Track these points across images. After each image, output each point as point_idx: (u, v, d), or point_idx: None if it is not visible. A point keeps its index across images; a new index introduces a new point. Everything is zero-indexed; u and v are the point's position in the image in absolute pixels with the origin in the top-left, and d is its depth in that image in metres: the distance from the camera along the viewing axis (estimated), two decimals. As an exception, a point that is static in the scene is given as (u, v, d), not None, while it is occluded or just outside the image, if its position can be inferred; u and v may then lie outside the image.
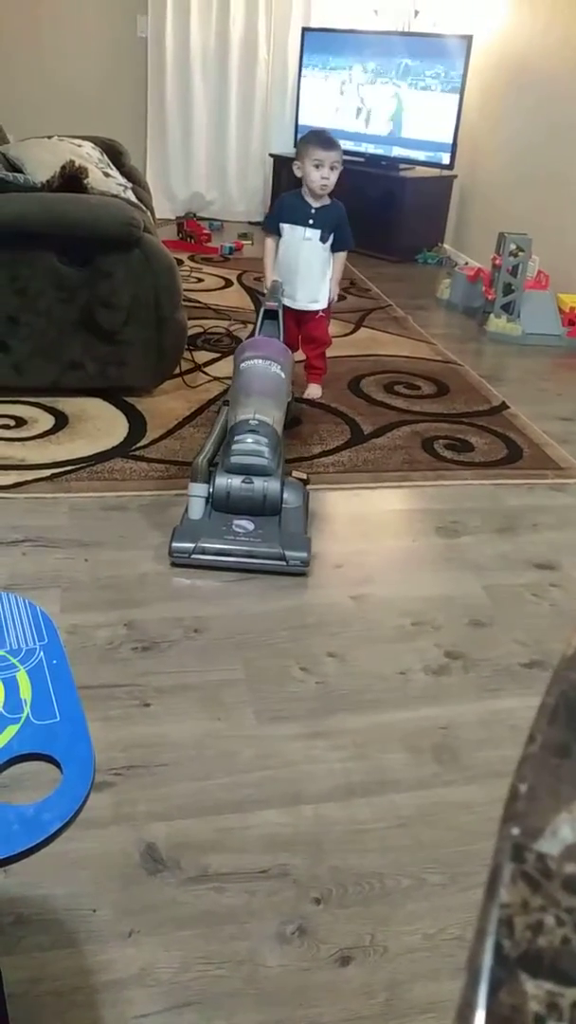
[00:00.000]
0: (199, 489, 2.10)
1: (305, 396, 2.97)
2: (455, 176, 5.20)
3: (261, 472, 2.12)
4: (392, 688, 1.70)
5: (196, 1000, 1.11)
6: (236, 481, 2.10)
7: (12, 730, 0.87)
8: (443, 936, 1.22)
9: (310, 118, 5.52)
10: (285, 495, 2.13)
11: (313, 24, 5.50)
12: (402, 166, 5.19)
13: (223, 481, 2.10)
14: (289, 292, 2.83)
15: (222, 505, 2.10)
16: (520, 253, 3.83)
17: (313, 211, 2.78)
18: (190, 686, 1.65)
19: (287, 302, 2.81)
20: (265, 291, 2.87)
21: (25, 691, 0.93)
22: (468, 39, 4.77)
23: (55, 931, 1.18)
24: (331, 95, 5.41)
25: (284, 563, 2.02)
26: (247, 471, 2.12)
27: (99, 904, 1.22)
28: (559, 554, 2.21)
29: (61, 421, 2.68)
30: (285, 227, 2.81)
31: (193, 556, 2.01)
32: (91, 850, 1.29)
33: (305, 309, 2.88)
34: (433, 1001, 1.13)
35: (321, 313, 2.91)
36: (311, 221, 2.78)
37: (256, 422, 2.17)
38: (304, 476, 2.36)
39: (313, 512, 2.28)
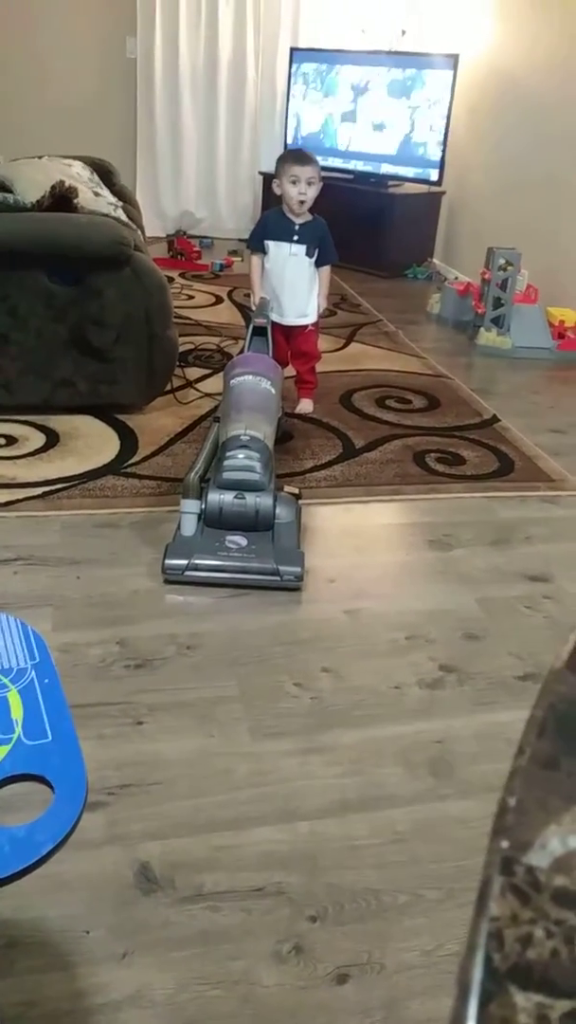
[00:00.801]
0: (191, 505, 2.09)
1: (297, 411, 2.98)
2: (443, 192, 5.25)
3: (253, 487, 2.11)
4: (386, 703, 1.69)
5: (192, 1021, 1.10)
6: (228, 497, 2.09)
7: (3, 751, 0.87)
8: (441, 952, 1.21)
9: (298, 136, 5.58)
10: (277, 510, 2.13)
11: (301, 44, 5.57)
12: (391, 183, 5.24)
13: (215, 497, 2.10)
14: (277, 308, 2.86)
15: (215, 521, 2.10)
16: (509, 267, 3.86)
17: (297, 227, 2.82)
18: (184, 703, 1.64)
19: (276, 318, 2.84)
20: (253, 308, 2.90)
21: (17, 711, 0.92)
22: (455, 57, 4.83)
23: (49, 953, 1.17)
24: (319, 114, 5.46)
25: (278, 578, 2.02)
26: (239, 487, 2.11)
27: (93, 925, 1.21)
28: (552, 566, 2.21)
29: (52, 439, 2.68)
30: (270, 244, 2.84)
31: (187, 573, 2.01)
32: (84, 871, 1.28)
33: (294, 324, 2.91)
34: (431, 1018, 1.12)
35: (310, 327, 2.94)
36: (296, 237, 2.82)
37: (247, 437, 2.17)
38: (296, 491, 2.36)
39: (305, 527, 2.28)
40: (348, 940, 1.22)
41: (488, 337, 3.91)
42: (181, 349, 3.12)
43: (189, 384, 3.18)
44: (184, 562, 2.01)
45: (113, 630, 1.84)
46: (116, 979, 1.14)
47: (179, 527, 2.11)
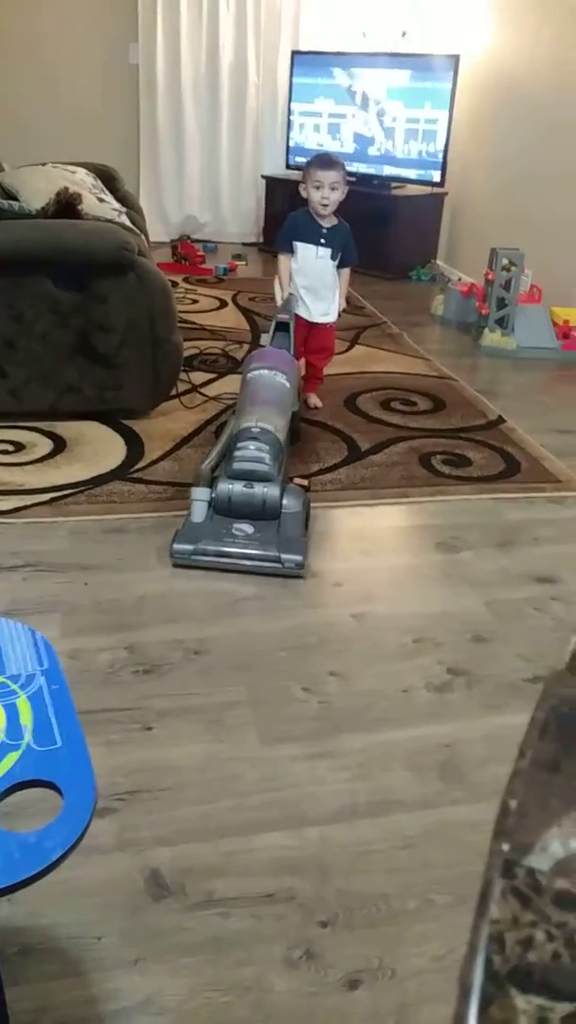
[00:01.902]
0: (202, 493, 2.18)
1: (310, 405, 3.09)
2: (446, 193, 5.25)
3: (262, 478, 2.19)
4: (395, 706, 1.69)
5: (204, 1028, 1.10)
6: (237, 486, 2.17)
7: (13, 757, 0.87)
8: (452, 957, 1.20)
9: (301, 140, 5.59)
10: (285, 500, 2.19)
11: (302, 47, 5.57)
12: (393, 185, 5.24)
13: (225, 486, 2.17)
14: (303, 306, 2.94)
15: (223, 509, 2.17)
16: (512, 268, 3.85)
17: (324, 231, 2.88)
18: (192, 709, 1.64)
19: (303, 314, 2.93)
20: (279, 304, 2.97)
21: (26, 718, 0.92)
22: (455, 58, 4.83)
23: (60, 960, 1.17)
24: (321, 117, 5.47)
25: (280, 565, 2.08)
26: (248, 476, 2.18)
27: (104, 932, 1.21)
28: (560, 567, 2.20)
29: (59, 445, 2.68)
30: (298, 245, 2.90)
31: (193, 557, 2.09)
32: (95, 877, 1.28)
33: (317, 321, 2.99)
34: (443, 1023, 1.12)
35: (331, 324, 3.04)
36: (323, 240, 2.88)
37: (258, 429, 2.24)
38: (305, 483, 2.43)
39: (315, 518, 2.30)
40: (359, 945, 1.21)
41: (492, 338, 3.91)
42: (186, 354, 3.13)
43: (194, 388, 3.18)
44: (191, 547, 2.09)
45: (121, 636, 1.84)
46: (128, 985, 1.14)
47: (189, 514, 2.19)
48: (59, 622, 1.86)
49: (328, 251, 2.88)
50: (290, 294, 2.93)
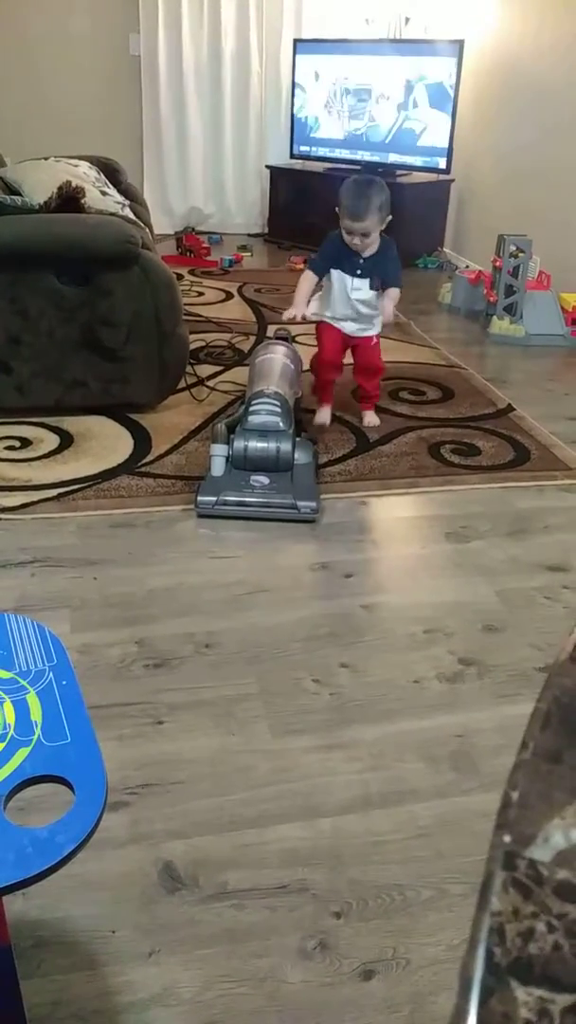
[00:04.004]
0: (220, 449, 2.39)
1: (365, 424, 2.89)
2: (452, 180, 5.21)
3: (275, 432, 2.38)
4: (406, 697, 1.69)
5: (219, 1019, 1.10)
6: (253, 441, 2.38)
7: (24, 752, 0.87)
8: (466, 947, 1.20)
9: (305, 129, 5.56)
10: (296, 453, 2.39)
11: (305, 35, 5.54)
12: (399, 172, 5.21)
13: (241, 443, 2.38)
14: (339, 321, 2.77)
15: (240, 463, 2.38)
16: (520, 254, 3.82)
17: (362, 262, 2.65)
18: (203, 702, 1.64)
19: (337, 325, 2.77)
20: (284, 318, 2.82)
21: (36, 713, 0.92)
22: (460, 43, 4.79)
23: (75, 953, 1.18)
24: (325, 104, 5.44)
25: (296, 511, 2.29)
26: (262, 431, 2.38)
27: (118, 925, 1.21)
28: (571, 556, 2.19)
29: (66, 440, 2.68)
30: (334, 272, 2.69)
31: (216, 507, 2.29)
32: (109, 870, 1.28)
33: (355, 335, 2.80)
34: (459, 1014, 1.12)
35: (375, 340, 2.82)
36: (359, 272, 2.66)
37: (271, 392, 2.46)
38: (313, 437, 2.64)
39: (321, 521, 2.30)
40: (373, 936, 1.21)
41: (501, 325, 3.89)
42: (192, 346, 3.12)
43: (201, 381, 3.17)
44: (214, 498, 2.29)
45: (131, 630, 1.84)
46: (143, 978, 1.14)
47: (209, 469, 2.38)
48: (68, 617, 1.87)
49: (365, 282, 2.66)
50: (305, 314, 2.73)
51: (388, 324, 2.78)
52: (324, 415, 2.87)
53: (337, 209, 2.61)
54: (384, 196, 2.57)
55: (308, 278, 2.72)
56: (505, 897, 0.39)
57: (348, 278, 2.67)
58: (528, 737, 0.48)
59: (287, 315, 2.76)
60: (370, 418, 2.92)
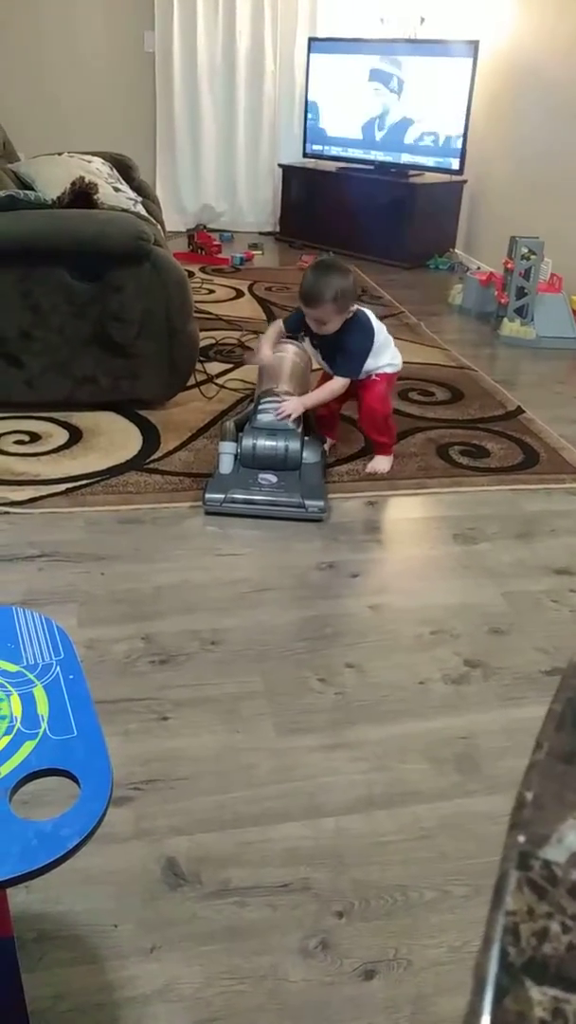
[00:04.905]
0: (228, 447, 2.37)
1: (368, 469, 2.58)
2: (465, 181, 5.20)
3: (284, 431, 2.36)
4: (412, 698, 1.68)
5: (219, 1016, 1.10)
6: (261, 439, 2.36)
7: (30, 746, 0.87)
8: (468, 949, 1.20)
9: (318, 128, 5.56)
10: (304, 452, 2.36)
11: (319, 34, 5.53)
12: (411, 172, 5.20)
13: (249, 441, 2.36)
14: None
15: (249, 461, 2.36)
16: (532, 256, 3.81)
17: (318, 338, 2.44)
18: (208, 699, 1.65)
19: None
20: (245, 360, 2.82)
21: (42, 707, 0.93)
22: (475, 44, 4.78)
23: (77, 947, 1.18)
24: (339, 104, 5.43)
25: (304, 510, 2.28)
26: (271, 429, 2.36)
27: (120, 919, 1.21)
28: (578, 559, 2.19)
29: (75, 435, 2.69)
30: (303, 334, 2.56)
31: (224, 505, 2.28)
32: (111, 865, 1.29)
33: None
34: (459, 1015, 1.11)
35: (374, 376, 2.49)
36: (316, 344, 2.50)
37: (281, 390, 2.44)
38: (321, 437, 2.56)
39: (328, 521, 2.30)
40: (375, 936, 1.21)
41: (511, 327, 3.88)
42: (202, 344, 3.13)
43: (210, 379, 3.18)
44: (221, 496, 2.28)
45: (138, 626, 1.84)
46: (144, 973, 1.15)
47: (217, 466, 2.36)
48: (75, 612, 1.87)
49: (318, 354, 2.52)
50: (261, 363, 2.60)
51: (293, 415, 2.39)
52: (372, 464, 2.62)
53: None
54: (343, 284, 2.28)
55: (277, 327, 2.58)
56: (520, 897, 0.39)
57: (309, 345, 2.57)
58: (543, 738, 0.48)
59: (248, 359, 2.69)
60: (373, 464, 2.58)
